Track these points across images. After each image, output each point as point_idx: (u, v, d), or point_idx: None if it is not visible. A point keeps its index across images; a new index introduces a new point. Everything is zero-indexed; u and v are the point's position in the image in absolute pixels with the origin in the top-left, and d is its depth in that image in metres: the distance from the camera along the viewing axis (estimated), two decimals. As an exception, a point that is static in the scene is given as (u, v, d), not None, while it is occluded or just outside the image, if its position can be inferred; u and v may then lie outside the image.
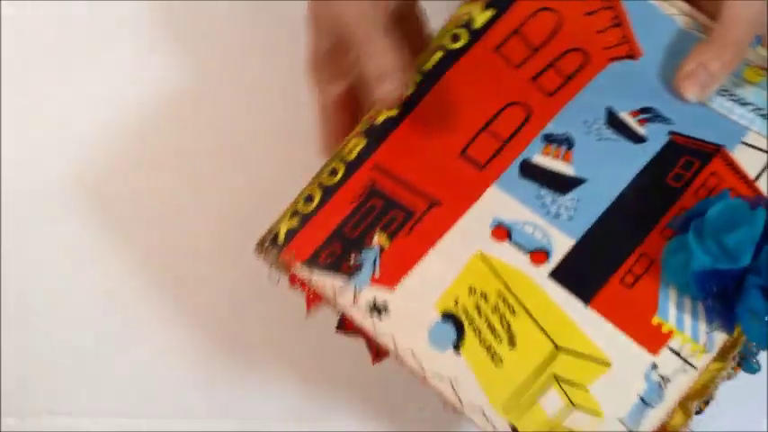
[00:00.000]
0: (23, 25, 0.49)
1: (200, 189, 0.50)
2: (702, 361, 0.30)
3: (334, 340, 0.49)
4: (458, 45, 0.36)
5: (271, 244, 0.35)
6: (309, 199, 0.35)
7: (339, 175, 0.35)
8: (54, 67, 0.49)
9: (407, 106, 0.35)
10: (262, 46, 0.51)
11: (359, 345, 0.49)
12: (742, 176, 0.33)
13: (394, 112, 0.35)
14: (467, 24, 0.36)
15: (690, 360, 0.31)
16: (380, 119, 0.35)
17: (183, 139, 0.49)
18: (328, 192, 0.35)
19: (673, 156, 0.34)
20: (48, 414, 0.50)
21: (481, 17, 0.36)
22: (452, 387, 0.31)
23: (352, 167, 0.35)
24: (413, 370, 0.32)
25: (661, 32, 0.36)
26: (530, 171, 0.34)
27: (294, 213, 0.35)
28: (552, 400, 0.30)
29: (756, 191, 0.33)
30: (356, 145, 0.35)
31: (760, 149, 0.33)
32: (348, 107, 0.39)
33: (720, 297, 0.29)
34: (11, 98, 0.49)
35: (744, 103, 0.34)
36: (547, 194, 0.33)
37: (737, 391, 0.48)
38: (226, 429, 0.49)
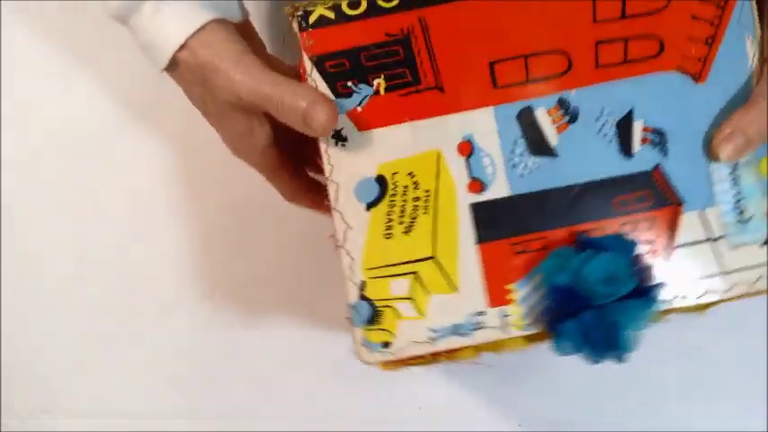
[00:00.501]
0: (23, 25, 0.49)
1: (200, 188, 0.49)
2: (514, 332, 0.35)
3: (335, 341, 0.49)
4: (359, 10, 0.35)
5: (302, 18, 0.35)
6: (356, 4, 0.35)
7: (393, 3, 0.35)
8: (54, 67, 0.49)
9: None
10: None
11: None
12: (670, 239, 0.35)
13: None
14: None
15: (506, 326, 0.35)
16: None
17: (183, 138, 0.49)
18: (374, 10, 0.35)
19: (638, 183, 0.35)
20: (48, 414, 0.50)
21: None
22: (346, 230, 0.35)
23: (405, 4, 0.35)
24: (330, 199, 0.35)
25: (733, 70, 0.35)
26: (525, 118, 0.35)
27: (336, 7, 0.35)
28: (400, 286, 0.35)
29: (663, 257, 0.35)
30: None
31: (703, 226, 0.35)
32: (289, 160, 0.39)
33: (555, 311, 0.34)
34: (11, 98, 0.49)
35: (735, 185, 0.35)
36: (521, 145, 0.35)
37: (737, 391, 0.48)
38: (226, 429, 0.49)
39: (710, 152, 0.35)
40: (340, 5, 0.35)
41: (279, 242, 0.48)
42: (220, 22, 0.34)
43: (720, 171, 0.35)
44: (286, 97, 0.33)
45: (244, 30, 0.36)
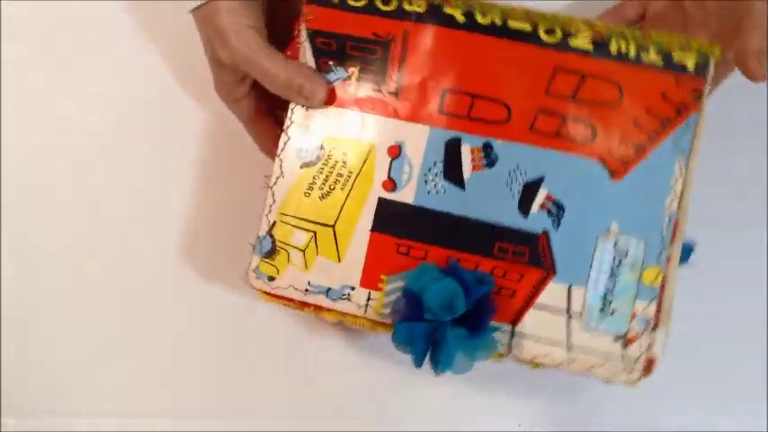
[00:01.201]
0: (23, 25, 0.49)
1: (201, 188, 0.49)
2: (370, 315, 0.40)
3: (335, 341, 0.49)
4: (554, 39, 0.38)
5: None
6: None
7: (392, 5, 0.39)
8: (54, 67, 0.49)
9: (471, 23, 0.39)
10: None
11: (359, 346, 0.49)
12: (529, 297, 0.39)
13: (461, 20, 0.39)
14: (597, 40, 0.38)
15: (366, 307, 0.40)
16: (451, 9, 0.39)
17: (183, 138, 0.49)
18: (371, 8, 0.39)
19: (523, 239, 0.39)
20: (48, 414, 0.50)
21: (583, 40, 0.38)
22: (278, 177, 0.40)
23: (398, 14, 0.39)
24: (278, 146, 0.40)
25: (651, 183, 0.38)
26: (452, 147, 0.39)
27: None
28: (299, 238, 0.40)
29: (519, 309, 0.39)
30: (420, 6, 0.39)
31: (566, 299, 0.38)
32: (266, 114, 0.44)
33: (401, 311, 0.38)
34: (11, 98, 0.49)
35: (612, 278, 0.38)
36: (438, 167, 0.39)
37: (737, 391, 0.48)
38: (225, 429, 0.49)
39: (750, 74, 0.38)
40: None
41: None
42: None
43: (603, 261, 0.38)
44: (282, 73, 0.38)
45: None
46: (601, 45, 0.38)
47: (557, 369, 0.39)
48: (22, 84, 0.49)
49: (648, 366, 0.38)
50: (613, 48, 0.38)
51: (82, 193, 0.50)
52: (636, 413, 0.48)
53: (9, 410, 0.49)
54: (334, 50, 0.39)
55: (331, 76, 0.39)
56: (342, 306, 0.40)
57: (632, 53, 0.38)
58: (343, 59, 0.39)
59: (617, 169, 0.38)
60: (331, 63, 0.39)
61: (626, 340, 0.38)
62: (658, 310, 0.38)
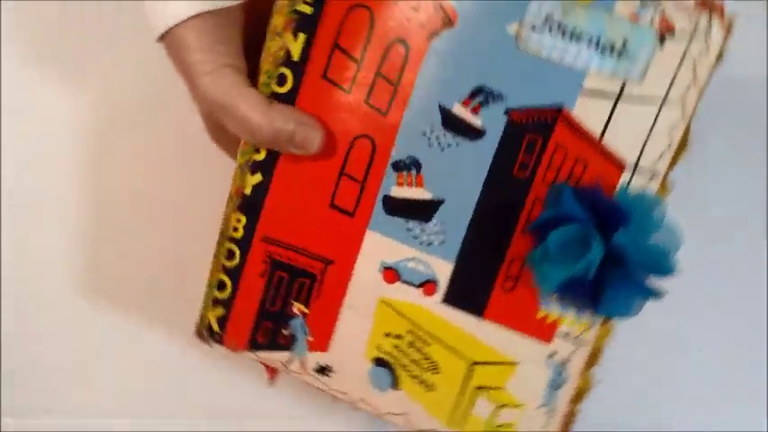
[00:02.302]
0: (23, 25, 0.49)
1: (201, 188, 0.49)
2: (591, 334, 0.35)
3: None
4: (286, 88, 0.34)
5: (209, 334, 0.38)
6: (222, 285, 0.37)
7: (237, 256, 0.36)
8: (54, 67, 0.49)
9: (267, 168, 0.35)
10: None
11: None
12: (587, 140, 0.33)
13: (259, 178, 0.35)
14: (286, 60, 0.33)
15: (580, 338, 0.35)
16: (248, 189, 0.35)
17: (183, 138, 0.49)
18: (235, 274, 0.36)
19: (514, 140, 0.33)
20: (48, 414, 0.50)
21: (296, 46, 0.33)
22: (407, 419, 0.37)
23: (244, 245, 0.36)
24: (370, 413, 0.37)
25: None
26: (392, 207, 0.35)
27: (216, 302, 0.37)
28: (482, 407, 0.36)
29: (602, 153, 0.33)
30: (239, 221, 0.36)
31: (601, 94, 0.33)
32: None
33: (578, 296, 0.33)
34: (11, 98, 0.49)
35: (578, 37, 0.32)
36: (415, 226, 0.35)
37: (737, 390, 0.48)
38: (225, 429, 0.49)
39: None
40: (216, 297, 0.37)
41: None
42: (209, 15, 0.32)
43: (554, 44, 0.32)
44: (264, 122, 0.32)
45: (232, 14, 0.34)
46: None
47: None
48: (22, 84, 0.49)
49: None
50: None
51: (82, 192, 0.50)
52: (636, 413, 0.48)
53: (9, 410, 0.49)
54: (273, 326, 0.37)
55: (300, 337, 0.37)
56: (575, 368, 0.36)
57: None
58: (284, 318, 0.37)
59: None
60: (283, 331, 0.37)
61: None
62: None
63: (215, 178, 0.50)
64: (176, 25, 0.32)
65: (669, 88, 0.32)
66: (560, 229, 0.32)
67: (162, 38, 0.33)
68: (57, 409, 0.50)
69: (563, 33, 0.32)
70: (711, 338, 0.48)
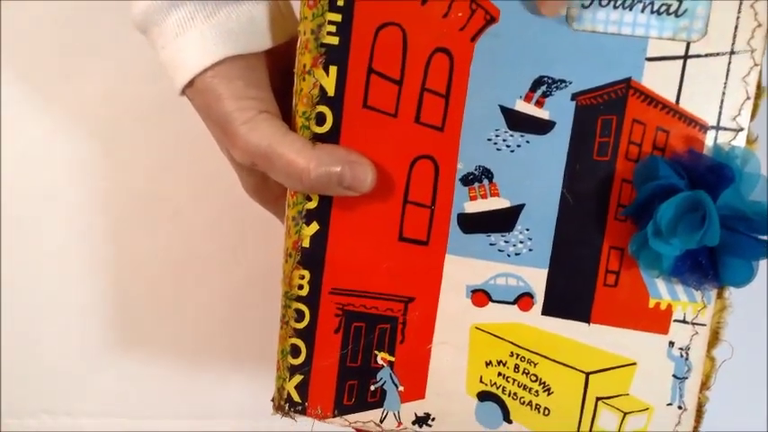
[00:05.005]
0: (23, 25, 0.49)
1: (201, 189, 0.49)
2: (707, 315, 0.33)
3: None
4: (327, 126, 0.32)
5: (291, 406, 0.35)
6: (296, 351, 0.34)
7: (307, 316, 0.34)
8: (54, 67, 0.49)
9: (323, 216, 0.33)
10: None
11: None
12: (663, 107, 0.31)
13: (315, 228, 0.33)
14: (322, 97, 0.32)
15: (697, 321, 0.33)
16: (306, 241, 0.33)
17: (183, 138, 0.49)
18: (308, 335, 0.34)
19: (587, 125, 0.31)
20: (48, 414, 0.50)
21: (329, 81, 0.32)
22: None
23: (313, 302, 0.34)
24: None
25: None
26: (469, 224, 0.33)
27: (293, 369, 0.34)
28: (608, 419, 0.33)
29: (681, 117, 0.31)
30: (302, 278, 0.34)
31: (667, 58, 0.31)
32: None
33: (697, 269, 0.31)
34: (11, 98, 0.49)
35: (630, 5, 0.31)
36: (497, 238, 0.33)
37: (737, 390, 0.48)
38: (225, 429, 0.49)
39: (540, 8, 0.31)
40: (291, 364, 0.34)
41: (280, 241, 0.48)
42: (237, 60, 0.30)
43: (608, 17, 0.31)
44: (312, 164, 0.30)
45: (258, 56, 0.32)
46: None
47: None
48: (22, 84, 0.49)
49: None
50: None
51: (82, 193, 0.50)
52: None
53: (9, 410, 0.49)
54: (359, 384, 0.34)
55: (390, 390, 0.34)
56: (697, 353, 0.34)
57: None
58: (369, 372, 0.34)
59: None
60: (371, 386, 0.34)
61: None
62: None
63: (215, 178, 0.50)
64: (202, 73, 0.29)
65: (734, 37, 0.31)
66: (668, 202, 0.29)
67: (185, 89, 0.30)
68: (57, 409, 0.50)
69: (615, 4, 0.31)
70: (733, 348, 0.48)
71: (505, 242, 0.33)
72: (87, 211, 0.50)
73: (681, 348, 0.33)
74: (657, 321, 0.33)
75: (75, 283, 0.49)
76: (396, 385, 0.34)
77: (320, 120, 0.32)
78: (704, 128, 0.31)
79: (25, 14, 0.48)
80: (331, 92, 0.32)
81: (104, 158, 0.50)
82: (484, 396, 0.34)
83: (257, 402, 0.49)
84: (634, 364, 0.33)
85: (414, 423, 0.34)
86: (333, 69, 0.31)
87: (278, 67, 0.33)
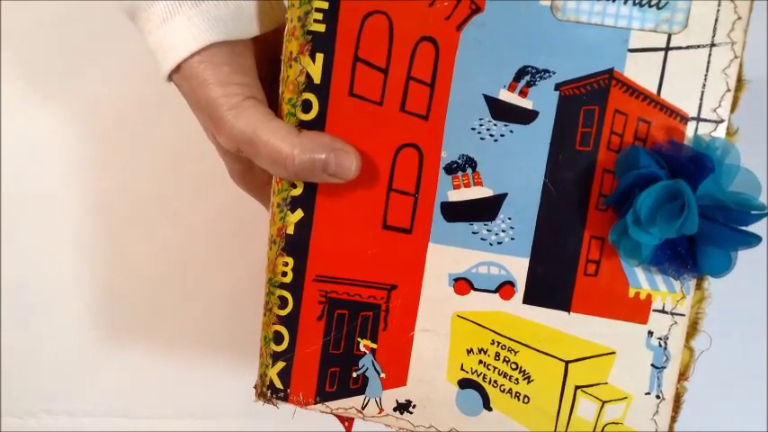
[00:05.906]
0: (24, 25, 0.49)
1: (200, 189, 0.49)
2: (686, 305, 0.33)
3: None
4: (313, 113, 0.32)
5: (273, 392, 0.35)
6: (279, 337, 0.34)
7: (290, 303, 0.34)
8: (54, 68, 0.49)
9: (307, 202, 0.33)
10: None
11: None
12: (645, 98, 0.32)
13: (300, 215, 0.33)
14: (308, 84, 0.32)
15: (676, 311, 0.33)
16: (290, 228, 0.33)
17: (183, 138, 0.49)
18: (291, 322, 0.34)
19: (570, 115, 0.32)
20: (48, 414, 0.50)
21: (316, 68, 0.32)
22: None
23: (296, 289, 0.34)
24: None
25: None
26: (452, 213, 0.33)
27: (275, 356, 0.35)
28: (586, 407, 0.34)
29: (663, 108, 0.32)
30: (286, 265, 0.34)
31: (649, 50, 0.31)
32: None
33: (676, 259, 0.31)
34: (11, 98, 0.49)
35: None
36: (480, 227, 0.33)
37: (737, 390, 0.48)
38: (225, 429, 0.49)
39: None
40: (274, 351, 0.35)
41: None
42: (223, 46, 0.30)
43: (592, 8, 0.32)
44: (297, 151, 0.30)
45: (245, 42, 0.32)
46: None
47: None
48: (22, 84, 0.49)
49: None
50: None
51: (82, 192, 0.50)
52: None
53: (9, 410, 0.49)
54: (341, 371, 0.35)
55: (372, 377, 0.34)
56: (676, 343, 0.34)
57: None
58: (351, 358, 0.35)
59: None
60: (353, 373, 0.34)
61: None
62: None
63: (215, 178, 0.50)
64: (189, 58, 0.30)
65: (714, 30, 0.31)
66: (647, 191, 0.30)
67: (172, 74, 0.31)
68: (57, 409, 0.50)
69: None
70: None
71: (488, 231, 0.33)
72: (87, 211, 0.50)
73: (660, 338, 0.33)
74: (637, 311, 0.33)
75: (74, 282, 0.49)
76: (378, 372, 0.34)
77: (306, 107, 0.32)
78: (685, 119, 0.32)
79: (25, 14, 0.48)
80: (317, 79, 0.32)
81: (104, 158, 0.50)
82: (465, 383, 0.34)
83: (257, 402, 0.49)
84: (613, 353, 0.33)
85: (395, 410, 0.35)
86: (319, 57, 0.32)
87: (266, 56, 0.33)
